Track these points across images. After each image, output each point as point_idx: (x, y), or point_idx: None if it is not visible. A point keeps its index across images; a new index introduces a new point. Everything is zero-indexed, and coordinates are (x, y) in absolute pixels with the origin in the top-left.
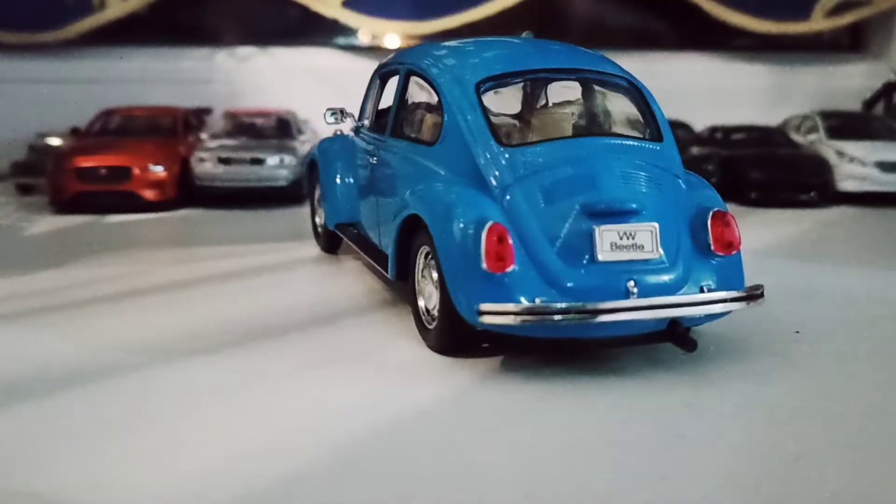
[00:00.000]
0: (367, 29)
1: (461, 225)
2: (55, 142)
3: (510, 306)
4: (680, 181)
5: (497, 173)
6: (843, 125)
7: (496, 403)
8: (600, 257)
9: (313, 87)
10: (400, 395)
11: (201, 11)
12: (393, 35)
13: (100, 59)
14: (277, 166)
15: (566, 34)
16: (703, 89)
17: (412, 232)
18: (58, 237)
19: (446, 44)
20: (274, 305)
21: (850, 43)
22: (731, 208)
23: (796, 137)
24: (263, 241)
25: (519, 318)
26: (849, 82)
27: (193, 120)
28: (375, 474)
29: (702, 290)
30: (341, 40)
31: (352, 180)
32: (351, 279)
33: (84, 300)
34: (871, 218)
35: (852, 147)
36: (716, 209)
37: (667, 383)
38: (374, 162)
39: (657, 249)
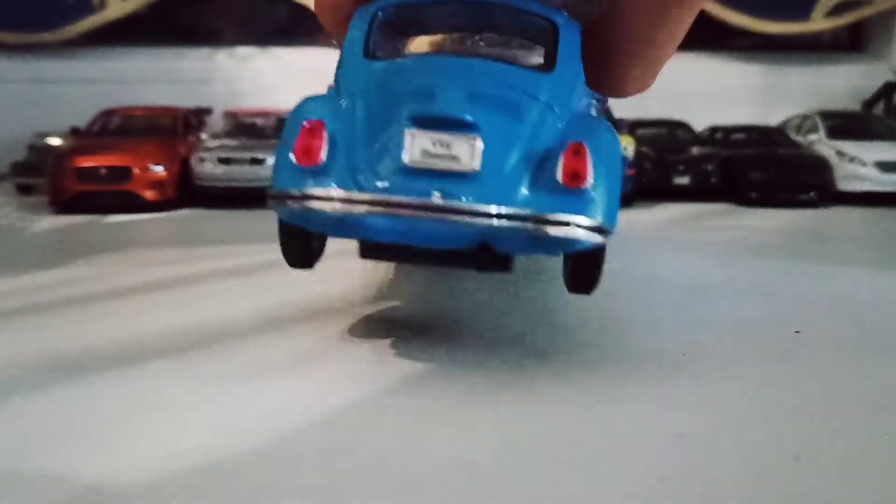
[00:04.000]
0: None
1: (289, 123)
2: (55, 142)
3: (293, 191)
4: (555, 112)
5: (351, 83)
6: (844, 125)
7: (480, 402)
8: (406, 161)
9: (313, 87)
10: (359, 398)
11: (201, 11)
12: None
13: (100, 59)
14: None
15: None
16: (702, 89)
17: None
18: (58, 237)
19: None
20: (266, 305)
21: (849, 43)
22: (731, 208)
23: (796, 137)
24: (263, 240)
25: (298, 203)
26: (849, 82)
27: (193, 120)
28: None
29: None
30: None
31: None
32: (345, 278)
33: (83, 299)
34: (872, 218)
35: (852, 147)
36: (573, 140)
37: (666, 383)
38: None
39: (474, 164)
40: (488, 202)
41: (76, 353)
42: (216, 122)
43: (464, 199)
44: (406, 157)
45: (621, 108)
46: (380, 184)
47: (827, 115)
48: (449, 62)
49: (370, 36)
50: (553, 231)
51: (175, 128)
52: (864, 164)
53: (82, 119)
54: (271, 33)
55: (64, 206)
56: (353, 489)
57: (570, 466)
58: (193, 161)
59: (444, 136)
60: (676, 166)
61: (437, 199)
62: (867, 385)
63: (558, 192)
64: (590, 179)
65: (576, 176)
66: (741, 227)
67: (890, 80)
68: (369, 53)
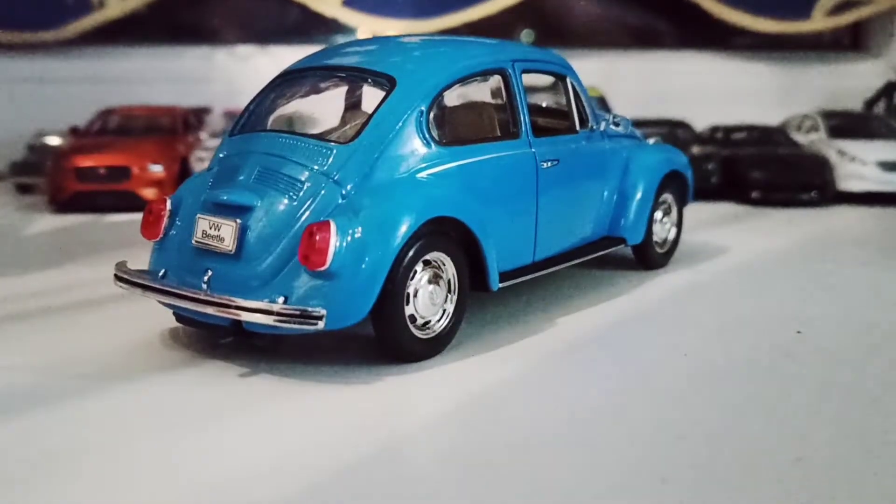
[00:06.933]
0: (367, 27)
1: None
2: (54, 141)
3: (120, 267)
4: (338, 188)
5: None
6: (844, 124)
7: (487, 405)
8: (192, 242)
9: None
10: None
11: (201, 10)
12: (393, 34)
13: (99, 58)
14: None
15: (566, 33)
16: (703, 88)
17: None
18: (57, 237)
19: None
20: None
21: (850, 42)
22: (732, 207)
23: (797, 137)
24: None
25: (120, 283)
26: (850, 81)
27: (193, 119)
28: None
29: (274, 301)
30: (341, 39)
31: None
32: None
33: (83, 300)
34: (872, 217)
35: (853, 146)
36: (317, 221)
37: (666, 384)
38: None
39: (233, 246)
40: (252, 293)
41: (74, 354)
42: (216, 121)
43: (226, 288)
44: (193, 239)
45: (621, 107)
46: (175, 264)
47: (828, 115)
48: (260, 140)
49: (249, 105)
50: (257, 319)
51: (174, 127)
52: (865, 163)
53: (82, 118)
54: (271, 32)
55: (63, 205)
56: None
57: (569, 468)
58: (193, 160)
59: (217, 220)
60: None
61: (206, 285)
62: (867, 384)
63: (310, 276)
64: (327, 263)
65: (305, 258)
66: (741, 226)
67: (891, 79)
68: (233, 129)
